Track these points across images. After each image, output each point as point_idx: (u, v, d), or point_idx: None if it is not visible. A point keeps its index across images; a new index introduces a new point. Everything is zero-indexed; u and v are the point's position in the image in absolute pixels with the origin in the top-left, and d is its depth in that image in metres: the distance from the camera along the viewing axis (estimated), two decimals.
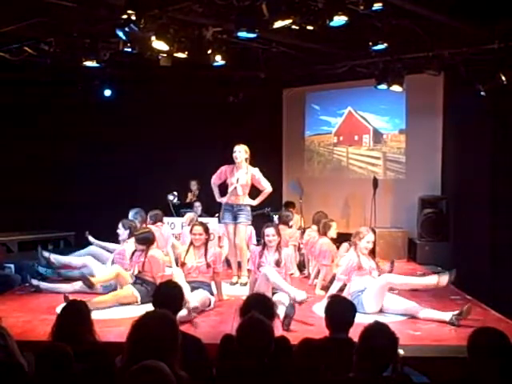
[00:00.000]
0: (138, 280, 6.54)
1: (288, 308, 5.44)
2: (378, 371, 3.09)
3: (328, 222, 7.61)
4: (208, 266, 6.45)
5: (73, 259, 7.67)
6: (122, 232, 7.42)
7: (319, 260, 7.35)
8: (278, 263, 6.35)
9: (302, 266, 8.34)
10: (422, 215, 9.70)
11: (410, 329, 5.47)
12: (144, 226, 7.97)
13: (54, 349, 3.24)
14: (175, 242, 8.77)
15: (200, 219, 9.42)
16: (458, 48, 7.97)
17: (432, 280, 6.22)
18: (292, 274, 6.70)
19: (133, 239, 7.05)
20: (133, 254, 6.76)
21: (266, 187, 7.68)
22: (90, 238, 8.25)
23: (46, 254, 7.69)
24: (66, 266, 7.61)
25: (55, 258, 7.65)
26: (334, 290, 6.31)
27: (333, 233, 7.51)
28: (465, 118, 9.06)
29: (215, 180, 7.81)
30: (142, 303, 6.27)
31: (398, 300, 6.00)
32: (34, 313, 5.98)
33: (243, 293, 6.51)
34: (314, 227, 8.10)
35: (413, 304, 5.88)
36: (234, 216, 7.69)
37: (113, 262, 7.28)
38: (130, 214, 8.19)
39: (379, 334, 3.18)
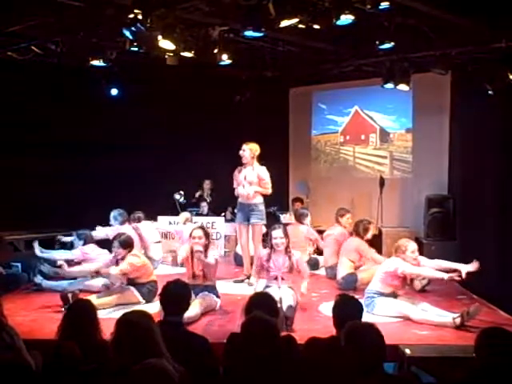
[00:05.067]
0: (131, 284, 6.49)
1: (287, 309, 5.35)
2: (376, 368, 3.07)
3: (366, 224, 7.60)
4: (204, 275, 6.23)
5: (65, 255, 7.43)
6: (77, 242, 7.54)
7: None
8: (290, 269, 6.02)
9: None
10: (429, 214, 9.67)
11: (416, 329, 5.45)
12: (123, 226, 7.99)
13: (61, 348, 3.26)
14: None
15: (207, 218, 9.49)
16: (465, 47, 7.95)
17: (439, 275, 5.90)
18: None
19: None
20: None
21: (266, 188, 7.55)
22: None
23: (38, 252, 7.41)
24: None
25: (49, 255, 7.40)
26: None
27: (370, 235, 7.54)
28: (472, 117, 9.03)
29: (235, 186, 7.72)
30: (147, 302, 6.31)
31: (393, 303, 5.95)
32: (41, 311, 6.00)
33: (250, 292, 6.47)
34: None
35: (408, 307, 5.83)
36: (246, 216, 7.60)
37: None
38: (112, 215, 8.18)
39: (361, 330, 3.17)
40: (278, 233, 6.07)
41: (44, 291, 6.90)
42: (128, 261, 6.38)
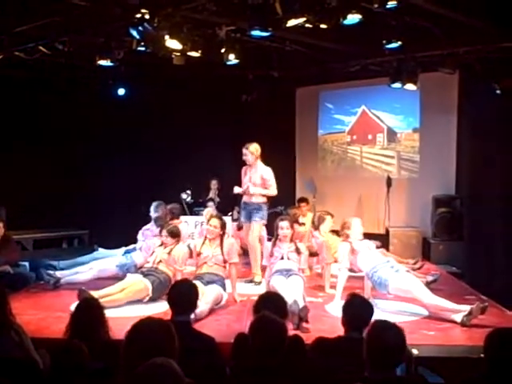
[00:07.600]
0: (152, 271, 6.46)
1: (292, 305, 5.27)
2: (390, 368, 3.07)
3: (322, 215, 7.76)
4: (225, 261, 6.46)
5: (79, 269, 7.46)
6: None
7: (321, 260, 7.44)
8: (298, 251, 6.48)
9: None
10: (436, 214, 9.65)
11: (424, 329, 5.43)
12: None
13: (70, 346, 3.26)
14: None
15: None
16: (473, 46, 7.91)
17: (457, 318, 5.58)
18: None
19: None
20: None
21: (270, 190, 7.60)
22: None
23: (50, 272, 7.35)
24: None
25: (61, 273, 7.37)
26: (341, 281, 6.34)
27: (327, 226, 7.62)
28: (480, 117, 8.99)
29: (243, 185, 7.80)
30: (154, 296, 6.29)
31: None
32: (49, 310, 6.01)
33: (257, 292, 6.46)
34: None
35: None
36: (249, 215, 7.70)
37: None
38: (152, 207, 8.17)
39: (386, 330, 3.15)
40: (284, 223, 6.56)
41: (52, 290, 6.94)
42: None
